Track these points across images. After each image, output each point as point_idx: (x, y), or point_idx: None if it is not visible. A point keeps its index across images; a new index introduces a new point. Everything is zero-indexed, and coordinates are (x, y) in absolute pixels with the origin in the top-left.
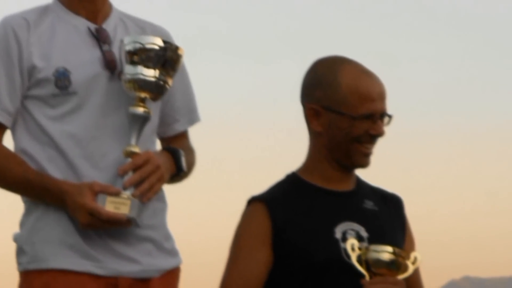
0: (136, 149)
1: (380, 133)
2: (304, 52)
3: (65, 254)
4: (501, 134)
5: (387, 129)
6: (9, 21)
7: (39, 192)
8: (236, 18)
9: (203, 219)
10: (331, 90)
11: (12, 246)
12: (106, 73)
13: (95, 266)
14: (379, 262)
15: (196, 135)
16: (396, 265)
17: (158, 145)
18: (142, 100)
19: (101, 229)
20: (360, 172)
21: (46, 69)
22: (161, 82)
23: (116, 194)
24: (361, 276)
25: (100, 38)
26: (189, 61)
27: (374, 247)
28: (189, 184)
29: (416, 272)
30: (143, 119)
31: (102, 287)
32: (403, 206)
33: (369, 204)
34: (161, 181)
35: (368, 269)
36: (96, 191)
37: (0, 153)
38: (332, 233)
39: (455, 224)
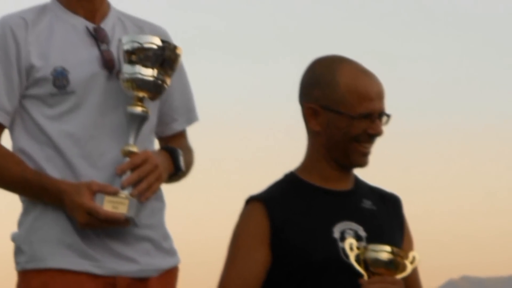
0: (134, 149)
1: (378, 133)
2: (303, 51)
3: (63, 253)
4: (499, 134)
5: (385, 128)
6: (7, 20)
7: (37, 191)
8: (235, 18)
9: (201, 218)
10: (329, 89)
11: (10, 246)
12: (104, 73)
13: (93, 266)
14: (378, 262)
15: (194, 135)
16: (394, 265)
17: (156, 145)
18: (140, 100)
19: (99, 228)
20: (358, 172)
21: (44, 68)
22: (159, 82)
23: (114, 193)
24: (360, 275)
25: (98, 37)
26: (187, 60)
27: (372, 246)
28: (187, 184)
29: (414, 272)
30: (141, 119)
31: (100, 287)
32: (402, 205)
33: (367, 204)
34: (159, 180)
35: (366, 268)
36: (94, 190)
37: None
38: (330, 232)
39: (453, 223)
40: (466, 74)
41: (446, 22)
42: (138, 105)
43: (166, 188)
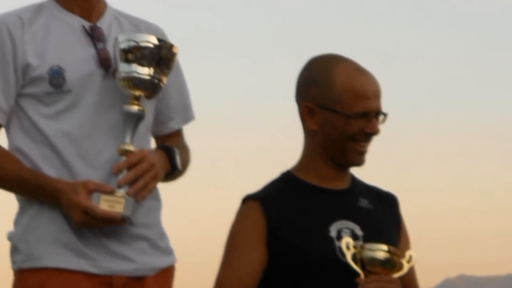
0: (131, 147)
1: (375, 131)
2: (299, 50)
3: (60, 252)
4: (496, 132)
5: (382, 127)
6: (4, 19)
7: (33, 190)
8: (231, 16)
9: (198, 217)
10: (326, 88)
11: (7, 245)
12: (101, 71)
13: (89, 265)
14: (374, 261)
15: (190, 133)
16: (391, 264)
17: (152, 144)
18: (137, 98)
19: (96, 227)
20: (355, 170)
21: (41, 67)
22: (156, 80)
23: (111, 192)
24: (356, 274)
25: (94, 36)
26: (184, 59)
27: (369, 245)
28: (184, 182)
29: (411, 271)
30: (138, 117)
31: (97, 286)
32: (398, 204)
33: (364, 203)
34: (155, 179)
35: (363, 267)
36: (90, 189)
37: None
38: (327, 231)
39: (450, 222)
40: (462, 72)
41: (443, 21)
42: (135, 104)
43: (163, 187)
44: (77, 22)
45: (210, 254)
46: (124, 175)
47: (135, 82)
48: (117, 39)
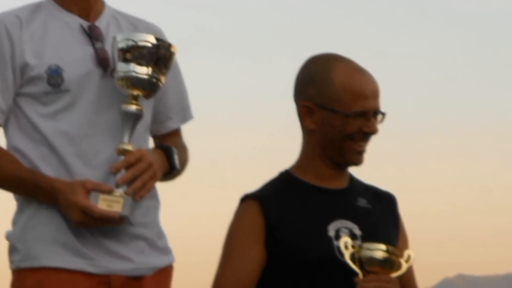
0: (129, 147)
1: (373, 131)
2: (297, 49)
3: (58, 252)
4: (494, 132)
5: (380, 126)
6: (1, 18)
7: (31, 190)
8: (229, 16)
9: (196, 217)
10: (324, 87)
11: (5, 244)
12: (99, 71)
13: (87, 264)
14: (373, 260)
15: (189, 133)
16: (389, 263)
17: (151, 143)
18: (135, 98)
19: (94, 227)
20: (353, 170)
21: (39, 67)
22: (154, 80)
23: (109, 192)
24: (355, 274)
25: (92, 35)
26: (182, 58)
27: (367, 245)
28: (182, 182)
29: (409, 270)
30: (136, 117)
31: (95, 285)
32: (397, 204)
33: (362, 202)
34: (153, 179)
35: (361, 267)
36: (88, 189)
37: None
38: (325, 231)
39: (448, 222)
40: (461, 72)
41: (442, 20)
42: (133, 103)
43: (161, 186)
44: (75, 21)
45: (208, 254)
46: (122, 174)
47: (133, 82)
48: (115, 39)
